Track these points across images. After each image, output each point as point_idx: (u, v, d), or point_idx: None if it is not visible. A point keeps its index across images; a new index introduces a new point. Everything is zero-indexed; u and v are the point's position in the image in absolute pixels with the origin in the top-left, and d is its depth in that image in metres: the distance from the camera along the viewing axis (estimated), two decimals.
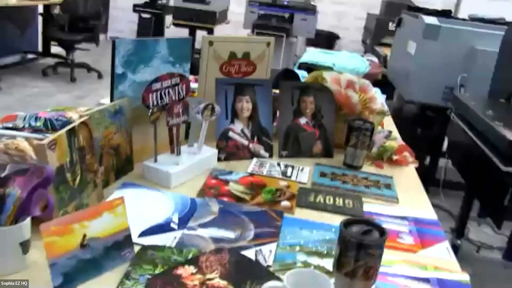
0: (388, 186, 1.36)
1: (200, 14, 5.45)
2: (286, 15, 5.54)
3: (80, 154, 0.99)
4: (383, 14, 5.98)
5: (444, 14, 3.24)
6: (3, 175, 0.89)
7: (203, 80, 1.43)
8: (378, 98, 1.58)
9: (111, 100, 1.17)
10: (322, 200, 1.21)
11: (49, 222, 0.76)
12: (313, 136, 1.51)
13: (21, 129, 1.10)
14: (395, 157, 1.55)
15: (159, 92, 1.19)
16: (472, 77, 2.91)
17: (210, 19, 5.47)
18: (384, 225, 0.88)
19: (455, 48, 2.94)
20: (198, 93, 1.45)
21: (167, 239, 0.96)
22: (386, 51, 5.24)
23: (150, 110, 1.13)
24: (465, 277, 0.97)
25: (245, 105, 1.41)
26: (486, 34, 2.89)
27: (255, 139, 1.43)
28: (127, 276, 0.82)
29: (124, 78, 1.18)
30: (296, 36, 5.67)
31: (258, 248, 0.96)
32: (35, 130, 1.09)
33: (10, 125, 1.11)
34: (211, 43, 1.40)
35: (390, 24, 5.77)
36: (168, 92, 1.22)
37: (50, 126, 1.10)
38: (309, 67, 3.29)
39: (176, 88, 1.24)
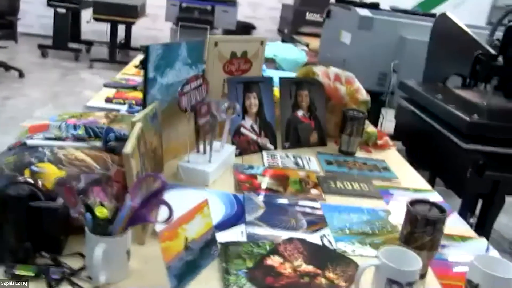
0: (386, 169, 1.51)
1: (121, 8, 5.29)
2: (208, 8, 5.57)
3: (142, 160, 1.01)
4: (298, 4, 6.21)
5: (373, 6, 3.48)
6: (80, 185, 0.90)
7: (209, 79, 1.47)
8: (363, 89, 1.72)
9: (144, 105, 1.18)
10: (341, 186, 1.33)
11: (164, 228, 0.79)
12: (309, 127, 1.62)
13: (65, 138, 1.08)
14: (379, 142, 1.71)
15: (189, 94, 1.22)
16: (403, 63, 3.19)
17: (131, 13, 5.34)
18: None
19: (387, 37, 3.19)
20: None
21: (236, 235, 1.01)
22: (306, 39, 5.49)
23: (187, 113, 1.17)
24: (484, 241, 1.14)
25: (253, 102, 1.48)
26: (414, 25, 3.18)
27: (262, 133, 1.50)
28: (227, 272, 0.87)
29: (154, 82, 1.19)
30: (218, 28, 5.72)
31: (321, 234, 1.05)
32: (78, 139, 1.09)
33: (50, 135, 1.08)
34: (216, 44, 1.45)
35: (307, 13, 6.04)
36: (195, 93, 1.25)
37: (92, 134, 1.10)
38: None
39: (200, 89, 1.28)
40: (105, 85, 2.02)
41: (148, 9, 6.15)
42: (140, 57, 2.60)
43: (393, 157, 1.65)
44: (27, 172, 0.90)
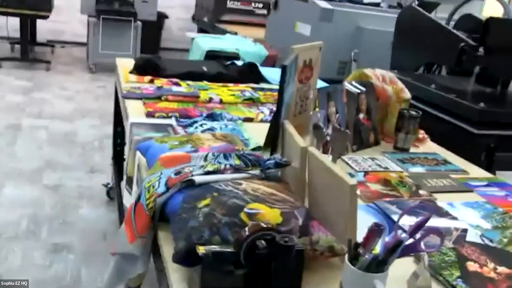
0: (446, 162, 1.63)
1: (31, 0, 4.82)
2: None
3: None
4: None
5: None
6: (299, 222, 0.88)
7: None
8: (405, 88, 1.82)
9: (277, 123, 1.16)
10: (434, 184, 1.42)
11: None
12: (368, 128, 1.69)
13: (223, 170, 1.03)
14: (420, 136, 1.83)
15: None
16: (362, 52, 3.38)
17: (45, 6, 4.89)
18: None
19: (346, 28, 3.35)
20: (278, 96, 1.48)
21: None
22: (231, 28, 5.48)
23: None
24: None
25: (333, 110, 1.50)
26: (372, 15, 3.37)
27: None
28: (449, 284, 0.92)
29: (286, 95, 1.17)
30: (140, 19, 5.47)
31: (479, 233, 1.13)
32: (237, 169, 1.04)
33: (199, 168, 1.02)
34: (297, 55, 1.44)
35: (228, 1, 6.02)
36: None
37: (249, 163, 1.06)
38: (216, 55, 3.35)
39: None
40: (124, 97, 1.89)
41: (57, 1, 5.68)
42: (125, 60, 2.44)
43: (435, 149, 1.78)
44: (243, 216, 0.85)
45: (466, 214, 1.24)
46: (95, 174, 3.05)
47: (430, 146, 1.81)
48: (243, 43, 3.61)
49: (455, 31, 2.52)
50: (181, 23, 7.23)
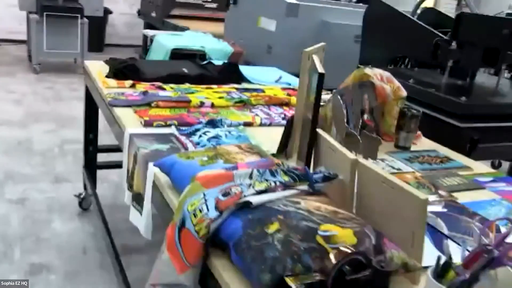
0: (449, 159, 1.66)
1: None
2: None
3: None
4: None
5: None
6: (373, 242, 0.85)
7: (303, 93, 1.43)
8: (401, 86, 1.82)
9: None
10: (449, 183, 1.44)
11: None
12: (372, 128, 1.68)
13: (274, 188, 0.98)
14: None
15: None
16: (328, 47, 3.38)
17: None
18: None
19: (312, 22, 3.34)
20: (298, 105, 1.44)
21: None
22: (182, 23, 5.35)
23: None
24: None
25: (357, 112, 1.48)
26: (336, 9, 3.38)
27: None
28: None
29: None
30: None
31: None
32: (287, 186, 0.99)
33: (247, 188, 0.96)
34: (309, 57, 1.40)
35: None
36: None
37: (297, 178, 1.01)
38: (181, 53, 3.26)
39: None
40: (111, 105, 1.77)
41: None
42: (95, 63, 2.30)
43: (429, 145, 1.81)
44: (320, 239, 0.81)
45: (490, 213, 1.26)
46: (62, 183, 2.87)
47: (424, 142, 1.83)
48: (207, 40, 3.52)
49: (427, 26, 2.58)
50: (126, 18, 6.99)
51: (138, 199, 1.39)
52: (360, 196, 1.01)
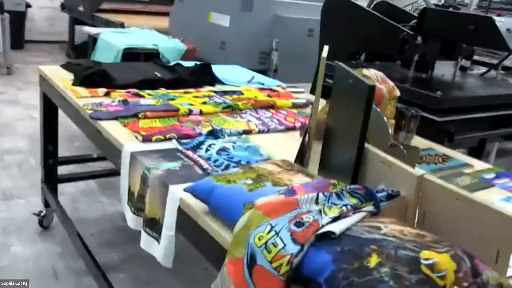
0: (448, 156, 1.69)
1: None
2: None
3: None
4: None
5: None
6: (469, 264, 0.82)
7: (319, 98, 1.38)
8: (395, 86, 1.81)
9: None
10: (462, 183, 1.45)
11: None
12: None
13: (346, 213, 0.91)
14: None
15: None
16: (282, 41, 3.34)
17: None
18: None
19: (267, 17, 3.28)
20: (314, 113, 1.38)
21: None
22: (113, 17, 5.07)
23: None
24: None
25: None
26: (289, 3, 3.34)
27: None
28: None
29: None
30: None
31: None
32: (356, 208, 0.94)
33: (334, 214, 0.90)
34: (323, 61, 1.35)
35: None
36: None
37: (363, 199, 0.96)
38: (133, 53, 3.11)
39: None
40: (93, 117, 1.61)
41: None
42: (51, 68, 2.09)
43: (422, 143, 1.83)
44: (425, 269, 0.76)
45: None
46: (12, 201, 2.60)
47: (415, 140, 1.84)
48: (156, 37, 3.34)
49: (391, 21, 2.61)
50: (46, 12, 6.51)
51: (153, 225, 1.27)
52: (424, 214, 0.97)
